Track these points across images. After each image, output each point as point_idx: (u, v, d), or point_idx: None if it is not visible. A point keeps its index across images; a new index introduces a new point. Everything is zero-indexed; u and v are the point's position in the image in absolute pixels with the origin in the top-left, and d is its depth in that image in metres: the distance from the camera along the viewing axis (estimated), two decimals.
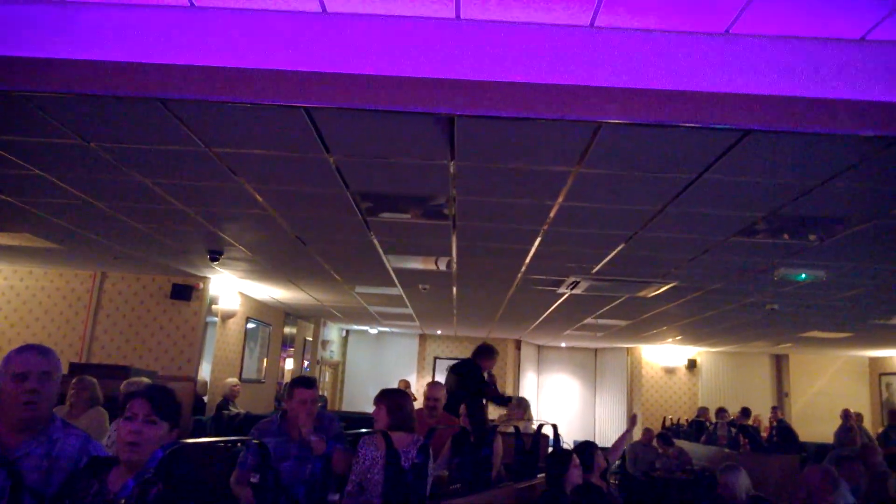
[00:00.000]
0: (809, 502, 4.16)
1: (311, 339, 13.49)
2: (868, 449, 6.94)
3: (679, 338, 12.83)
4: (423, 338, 15.72)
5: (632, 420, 6.29)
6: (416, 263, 6.89)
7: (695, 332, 11.58)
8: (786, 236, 4.96)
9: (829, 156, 3.40)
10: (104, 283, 8.59)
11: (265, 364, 11.12)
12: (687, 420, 12.92)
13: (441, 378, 14.89)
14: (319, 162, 3.90)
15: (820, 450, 10.37)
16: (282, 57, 2.78)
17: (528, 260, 6.30)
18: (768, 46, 2.72)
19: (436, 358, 15.61)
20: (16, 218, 5.73)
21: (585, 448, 5.40)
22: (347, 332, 15.95)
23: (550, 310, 9.67)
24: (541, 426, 6.26)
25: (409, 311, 10.91)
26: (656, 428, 11.95)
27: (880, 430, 11.28)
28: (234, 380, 8.95)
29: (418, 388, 13.24)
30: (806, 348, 13.61)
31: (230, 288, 9.11)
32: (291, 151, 3.80)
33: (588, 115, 2.90)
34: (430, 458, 3.98)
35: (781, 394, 14.97)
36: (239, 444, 3.88)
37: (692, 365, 15.14)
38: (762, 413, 12.93)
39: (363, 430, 4.09)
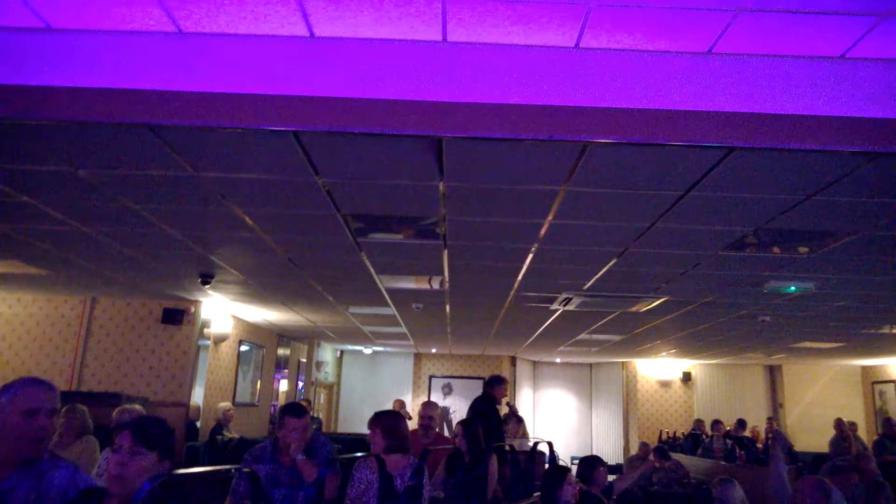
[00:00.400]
0: None
1: (305, 360, 13.42)
2: (862, 458, 6.94)
3: (673, 351, 12.85)
4: (417, 356, 15.67)
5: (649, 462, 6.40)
6: (408, 283, 6.89)
7: (689, 345, 11.60)
8: (775, 250, 4.99)
9: (813, 171, 3.44)
10: (94, 309, 8.54)
11: (259, 387, 11.04)
12: (683, 433, 12.91)
13: (436, 397, 14.92)
14: (309, 184, 3.92)
15: (816, 460, 10.36)
16: (270, 81, 2.79)
17: (520, 277, 6.31)
18: (751, 65, 2.76)
19: (431, 377, 15.55)
20: (4, 244, 5.71)
21: (587, 462, 5.40)
22: (342, 352, 15.88)
23: (544, 326, 9.67)
24: (536, 444, 6.26)
25: (404, 329, 10.89)
26: (652, 441, 11.92)
27: (875, 438, 11.29)
28: (227, 404, 8.89)
29: (414, 408, 13.16)
30: (799, 359, 13.65)
31: (222, 311, 9.08)
32: (281, 175, 3.81)
33: (574, 135, 2.93)
34: (425, 480, 3.97)
35: (776, 405, 14.98)
36: (232, 471, 3.84)
37: (687, 378, 15.14)
38: (758, 424, 12.93)
39: (357, 455, 4.08)
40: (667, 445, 11.22)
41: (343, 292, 7.67)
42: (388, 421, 4.01)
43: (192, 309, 8.44)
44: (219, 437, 8.31)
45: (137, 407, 6.25)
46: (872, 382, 14.36)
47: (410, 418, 11.06)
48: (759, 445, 11.75)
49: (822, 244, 4.78)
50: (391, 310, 8.67)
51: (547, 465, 6.44)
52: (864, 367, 14.65)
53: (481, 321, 9.52)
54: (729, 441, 11.10)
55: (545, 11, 2.54)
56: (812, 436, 12.85)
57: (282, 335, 12.10)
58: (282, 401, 12.14)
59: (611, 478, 5.74)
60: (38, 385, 2.45)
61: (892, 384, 13.61)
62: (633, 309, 7.76)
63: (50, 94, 2.85)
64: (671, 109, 2.75)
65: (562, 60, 2.78)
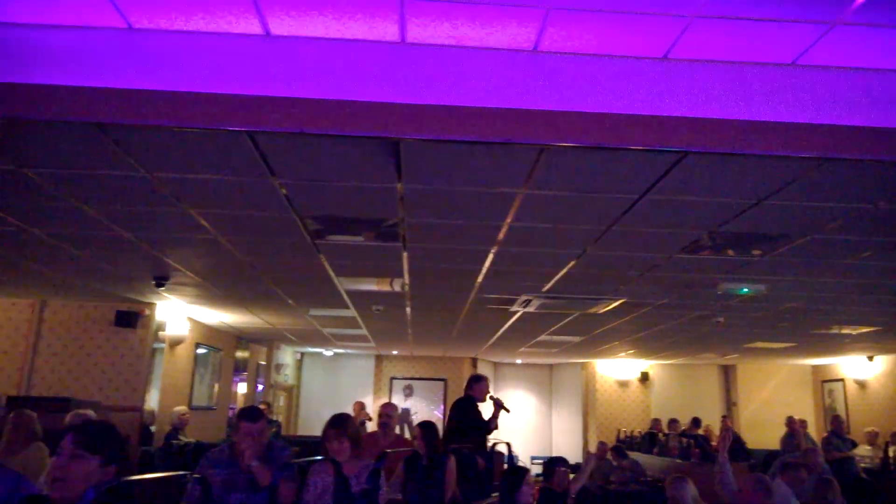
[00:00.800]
0: None
1: (264, 362, 13.24)
2: (810, 452, 7.15)
3: (631, 352, 13.03)
4: (379, 358, 15.59)
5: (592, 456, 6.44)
6: (368, 285, 6.84)
7: (646, 345, 11.78)
8: (729, 252, 5.09)
9: (765, 176, 3.51)
10: (44, 312, 8.28)
11: (216, 390, 10.86)
12: (640, 432, 13.10)
13: (397, 398, 14.86)
14: (265, 186, 3.86)
15: (768, 457, 10.62)
16: (223, 80, 2.74)
17: (480, 280, 6.32)
18: (705, 71, 2.81)
19: (392, 378, 15.49)
20: None
21: (549, 462, 5.49)
22: (302, 354, 15.71)
23: (505, 328, 9.72)
24: (494, 444, 6.28)
25: (364, 332, 10.82)
26: (611, 441, 12.07)
27: (824, 435, 11.61)
28: (183, 408, 8.70)
29: (374, 410, 13.10)
30: (752, 359, 13.97)
31: (178, 313, 8.89)
32: (236, 176, 3.74)
33: (532, 138, 2.94)
34: (382, 483, 3.94)
35: (730, 403, 15.30)
36: (188, 476, 3.76)
37: (645, 378, 15.37)
38: (713, 423, 13.18)
39: (316, 458, 4.03)
40: (624, 444, 11.37)
41: (302, 295, 7.59)
42: (349, 427, 3.96)
43: (147, 311, 8.25)
44: (174, 441, 8.14)
45: (90, 412, 6.09)
46: (822, 381, 14.77)
47: (371, 419, 11.01)
48: (714, 443, 12.00)
49: (774, 247, 4.89)
50: (351, 312, 8.61)
51: (505, 466, 6.45)
52: (814, 367, 15.06)
53: (442, 323, 9.51)
54: (684, 439, 11.30)
55: (504, 14, 2.55)
56: (764, 433, 13.13)
57: (240, 337, 11.92)
58: (240, 404, 11.96)
59: (572, 477, 5.80)
60: None
61: (841, 383, 14.02)
62: (592, 310, 7.84)
63: None
64: (627, 114, 2.78)
65: (520, 63, 2.79)
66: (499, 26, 2.63)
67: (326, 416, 4.16)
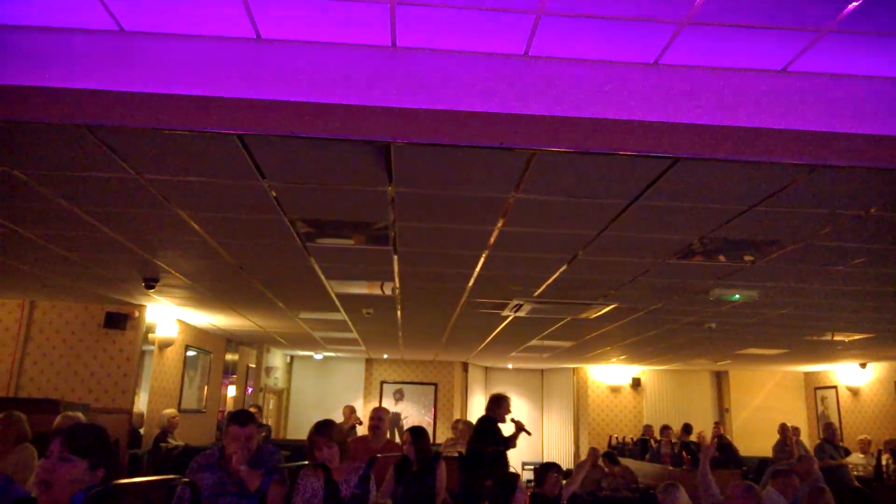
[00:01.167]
0: None
1: (254, 365, 13.19)
2: (804, 460, 7.15)
3: (623, 357, 13.03)
4: (369, 362, 15.55)
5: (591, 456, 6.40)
6: (359, 288, 6.82)
7: (638, 351, 11.78)
8: (720, 258, 5.10)
9: (756, 182, 3.51)
10: (33, 313, 8.22)
11: (206, 393, 10.80)
12: (632, 438, 13.09)
13: (387, 403, 14.81)
14: (255, 189, 3.84)
15: (760, 464, 10.63)
16: (213, 83, 2.72)
17: (470, 284, 6.31)
18: (696, 76, 2.80)
19: (382, 382, 15.45)
20: None
21: (542, 467, 5.49)
22: (292, 357, 15.65)
23: (496, 332, 9.70)
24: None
25: (355, 335, 10.79)
26: (602, 447, 12.06)
27: (817, 442, 11.63)
28: (172, 411, 8.65)
29: (365, 414, 13.06)
30: (744, 365, 13.99)
31: (168, 316, 8.84)
32: (226, 178, 3.72)
33: (523, 143, 2.93)
34: (372, 488, 3.92)
35: (722, 410, 15.32)
36: (178, 480, 3.73)
37: (637, 384, 15.36)
38: (705, 429, 13.19)
39: (305, 463, 4.00)
40: (616, 451, 11.36)
41: (293, 298, 7.56)
42: (340, 434, 3.95)
43: (137, 313, 8.20)
44: (163, 444, 8.08)
45: (79, 415, 6.04)
46: (815, 388, 14.81)
47: (361, 423, 10.96)
48: None
49: (766, 253, 4.90)
50: (342, 315, 8.58)
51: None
52: (806, 374, 15.09)
53: (433, 327, 9.50)
54: (676, 446, 11.30)
55: (495, 19, 2.54)
56: (757, 440, 13.17)
57: (230, 340, 11.87)
58: (230, 407, 11.91)
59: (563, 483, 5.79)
60: None
61: (834, 390, 14.05)
62: (584, 315, 7.83)
63: None
64: (618, 119, 2.77)
65: (511, 68, 2.78)
66: (489, 30, 2.62)
67: (317, 419, 4.13)
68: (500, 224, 4.37)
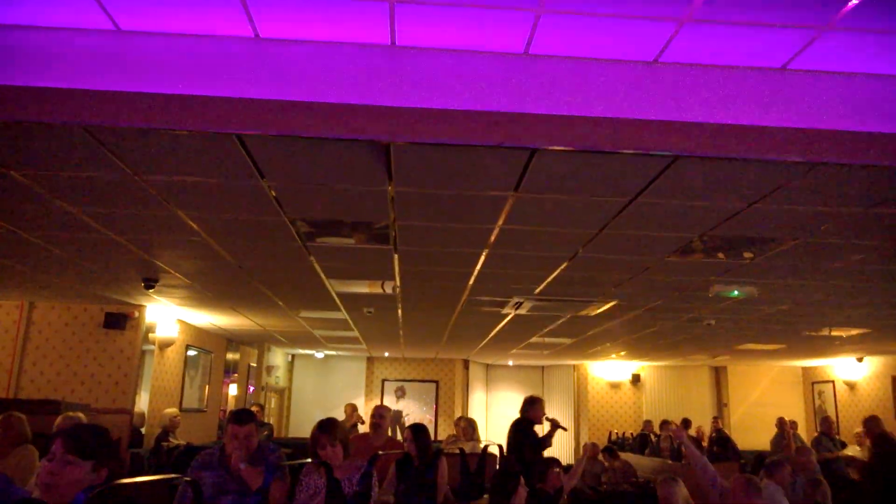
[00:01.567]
0: None
1: (255, 364, 13.19)
2: (801, 451, 7.18)
3: (623, 353, 13.05)
4: (370, 360, 15.56)
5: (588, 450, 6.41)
6: (359, 287, 6.82)
7: (638, 347, 11.80)
8: (720, 256, 5.10)
9: (755, 180, 3.52)
10: (32, 314, 8.22)
11: (207, 392, 10.81)
12: (632, 434, 13.13)
13: (389, 400, 14.83)
14: (255, 189, 3.83)
15: (759, 458, 10.66)
16: (211, 83, 2.72)
17: (471, 282, 6.31)
18: (695, 74, 2.80)
19: (384, 380, 15.47)
20: None
21: (543, 462, 5.49)
22: (293, 356, 15.66)
23: (497, 330, 9.71)
24: (486, 447, 6.26)
25: (356, 334, 10.80)
26: (602, 442, 12.10)
27: (814, 436, 11.66)
28: (173, 410, 8.66)
29: (366, 412, 13.07)
30: (743, 360, 14.02)
31: (168, 316, 8.84)
32: (225, 179, 3.72)
33: (523, 142, 2.93)
34: (374, 485, 3.93)
35: (721, 404, 15.35)
36: (181, 479, 3.74)
37: (636, 379, 15.40)
38: (704, 424, 13.23)
39: (307, 460, 4.01)
40: (616, 445, 11.39)
41: (293, 297, 7.56)
42: (343, 433, 3.97)
43: (136, 313, 8.20)
44: (164, 443, 8.09)
45: (80, 415, 6.04)
46: (812, 383, 14.85)
47: (363, 422, 10.97)
48: (705, 444, 12.05)
49: (765, 250, 4.90)
50: (343, 314, 8.58)
51: (498, 468, 6.44)
52: (804, 368, 15.13)
53: (434, 325, 9.50)
54: (675, 441, 11.30)
55: (494, 17, 2.54)
56: (755, 434, 13.21)
57: (231, 339, 11.87)
58: (231, 406, 11.91)
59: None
60: None
61: (831, 384, 14.09)
62: (584, 312, 7.84)
63: None
64: (618, 118, 2.77)
65: (511, 67, 2.78)
66: (489, 29, 2.62)
67: (318, 417, 4.15)
68: (500, 223, 4.38)
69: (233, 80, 2.72)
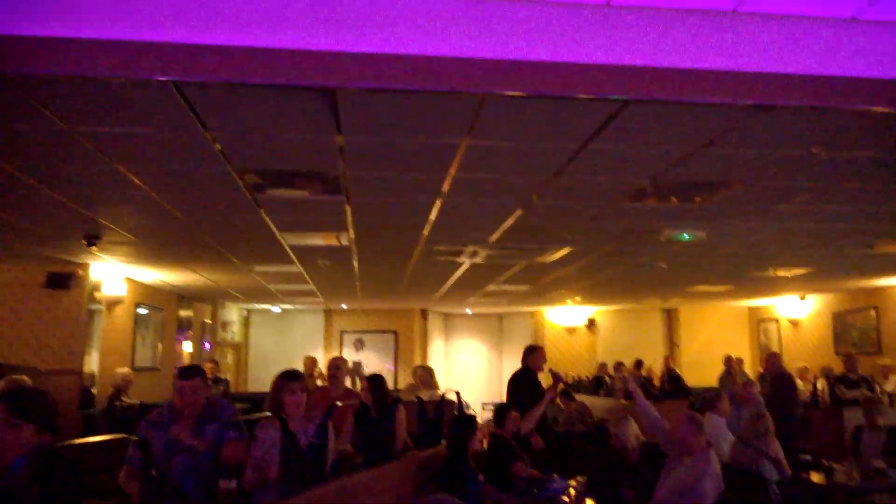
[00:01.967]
0: (684, 446, 4.44)
1: (209, 321, 13.02)
2: (746, 385, 7.49)
3: (579, 299, 13.28)
4: (328, 313, 15.51)
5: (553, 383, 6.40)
6: (313, 240, 6.72)
7: (592, 292, 12.01)
8: (672, 200, 5.15)
9: (704, 123, 3.53)
10: None
11: (160, 350, 10.65)
12: (588, 377, 13.48)
13: (348, 353, 14.86)
14: (198, 139, 3.68)
15: (707, 394, 11.06)
16: (147, 27, 2.57)
17: (426, 232, 6.27)
18: (645, 19, 2.76)
19: (342, 332, 15.47)
20: None
21: (500, 408, 5.58)
22: (249, 311, 15.51)
23: (453, 279, 9.74)
24: (443, 394, 6.35)
25: (312, 287, 10.71)
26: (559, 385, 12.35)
27: (760, 372, 12.15)
28: (125, 369, 8.50)
29: (325, 365, 13.08)
30: (693, 302, 14.43)
31: (114, 274, 8.60)
32: (165, 130, 3.56)
33: (472, 87, 2.86)
34: (331, 436, 3.94)
35: (672, 345, 15.84)
36: (129, 439, 3.69)
37: (591, 324, 15.73)
38: (657, 364, 13.66)
39: (265, 414, 3.99)
40: (572, 388, 11.68)
41: (245, 251, 7.42)
42: (304, 380, 3.96)
43: (80, 272, 7.94)
44: (117, 403, 7.96)
45: (24, 378, 5.89)
46: (758, 321, 15.40)
47: (324, 379, 10.99)
48: (657, 384, 12.46)
49: (714, 193, 4.97)
50: (297, 268, 8.48)
51: (455, 414, 6.54)
52: (750, 308, 15.66)
53: (391, 275, 9.48)
54: (628, 380, 11.59)
55: None
56: (705, 372, 13.65)
57: (183, 296, 11.66)
58: (187, 363, 11.78)
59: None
60: None
61: (776, 322, 14.64)
62: (539, 259, 7.91)
63: None
64: (569, 62, 2.72)
65: (460, 10, 2.69)
66: None
67: (276, 372, 4.11)
68: (452, 171, 4.32)
69: (168, 23, 2.57)
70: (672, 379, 12.17)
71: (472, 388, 15.41)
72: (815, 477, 5.63)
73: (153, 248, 7.05)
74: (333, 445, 4.01)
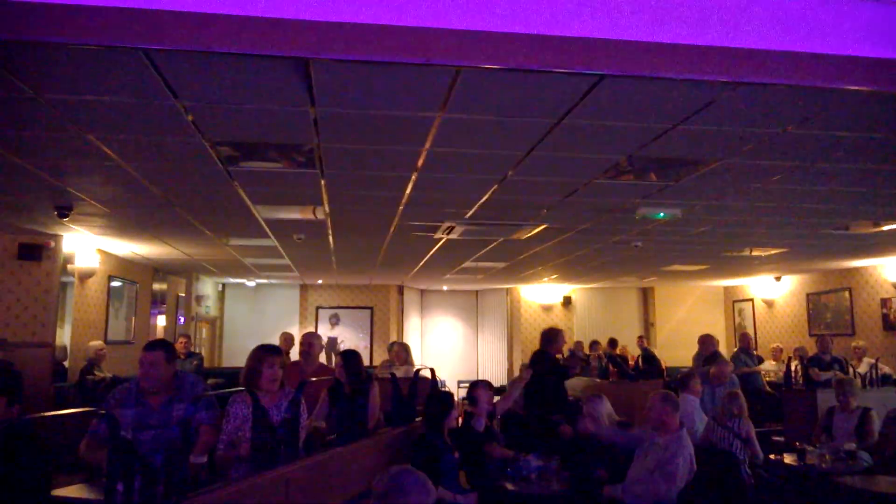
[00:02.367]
0: (660, 423, 4.50)
1: (184, 294, 12.90)
2: (719, 365, 7.61)
3: (555, 276, 13.35)
4: (304, 288, 15.45)
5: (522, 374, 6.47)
6: (288, 213, 6.66)
7: (568, 270, 12.07)
8: (649, 177, 5.17)
9: (680, 99, 3.53)
10: None
11: (134, 324, 10.54)
12: (561, 355, 13.58)
13: (323, 328, 14.83)
14: (169, 109, 3.61)
15: (683, 374, 11.22)
16: None
17: (401, 207, 6.24)
18: None
19: (318, 307, 15.42)
20: None
21: (474, 385, 5.61)
22: (224, 285, 15.38)
23: (430, 255, 9.73)
24: (418, 370, 6.36)
25: (287, 261, 10.64)
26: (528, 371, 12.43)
27: (734, 351, 12.33)
28: (98, 343, 8.41)
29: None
30: (669, 281, 14.57)
31: (87, 245, 8.47)
32: (136, 98, 3.49)
33: (447, 59, 2.83)
34: (303, 411, 3.94)
35: (648, 324, 16.01)
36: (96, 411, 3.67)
37: (567, 302, 15.83)
38: (632, 343, 13.80)
39: (239, 389, 3.97)
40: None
41: (219, 224, 7.34)
42: (281, 355, 3.99)
43: (52, 244, 7.81)
44: (90, 376, 7.88)
45: None
46: (733, 301, 15.61)
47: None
48: (632, 363, 12.61)
49: (689, 171, 4.99)
50: (272, 241, 8.42)
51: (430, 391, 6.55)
52: (726, 288, 15.86)
53: (366, 250, 9.45)
54: (604, 359, 11.79)
55: None
56: (680, 351, 13.83)
57: (157, 269, 11.53)
58: (161, 336, 11.69)
59: (496, 399, 5.96)
60: None
61: (751, 302, 14.84)
62: (515, 236, 7.92)
63: None
64: (545, 35, 2.70)
65: None
66: None
67: (251, 347, 4.10)
68: (427, 145, 4.29)
69: None
70: (647, 359, 12.32)
71: (449, 364, 15.50)
72: (788, 458, 5.72)
73: (126, 219, 6.95)
74: (306, 421, 4.01)
